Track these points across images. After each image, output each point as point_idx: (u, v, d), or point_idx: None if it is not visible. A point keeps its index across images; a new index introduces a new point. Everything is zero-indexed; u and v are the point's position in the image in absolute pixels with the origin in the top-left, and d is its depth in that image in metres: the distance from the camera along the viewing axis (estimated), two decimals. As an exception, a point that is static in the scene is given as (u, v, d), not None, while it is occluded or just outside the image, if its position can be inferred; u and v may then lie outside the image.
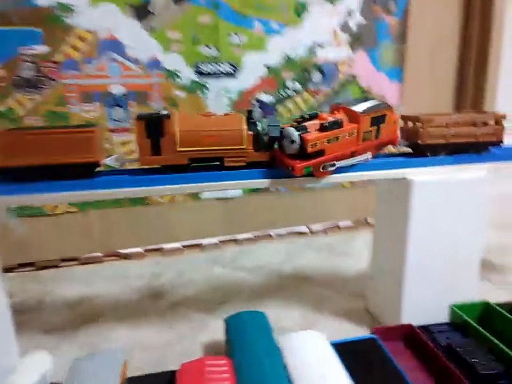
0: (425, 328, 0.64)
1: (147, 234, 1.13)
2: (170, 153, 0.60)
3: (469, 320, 0.63)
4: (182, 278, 0.97)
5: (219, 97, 1.08)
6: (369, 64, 1.18)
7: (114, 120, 1.03)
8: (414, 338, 0.63)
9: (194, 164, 0.63)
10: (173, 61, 1.03)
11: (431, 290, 0.70)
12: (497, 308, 0.65)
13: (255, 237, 1.23)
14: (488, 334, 0.60)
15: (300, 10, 1.09)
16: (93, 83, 1.01)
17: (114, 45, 1.00)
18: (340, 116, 0.63)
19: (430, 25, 1.19)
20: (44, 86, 0.98)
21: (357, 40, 1.15)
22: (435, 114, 0.76)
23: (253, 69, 1.09)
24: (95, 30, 0.98)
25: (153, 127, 0.59)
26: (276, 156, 0.63)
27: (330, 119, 0.62)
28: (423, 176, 0.67)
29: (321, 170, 0.62)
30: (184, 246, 1.18)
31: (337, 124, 0.61)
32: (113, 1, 0.98)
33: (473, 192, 0.69)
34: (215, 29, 1.04)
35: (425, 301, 0.69)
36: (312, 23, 1.11)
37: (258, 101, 1.12)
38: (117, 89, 1.02)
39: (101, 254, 1.12)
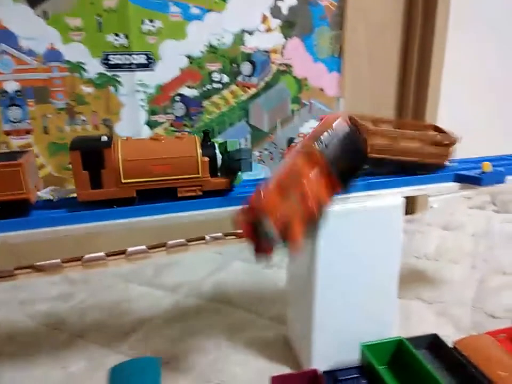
0: (331, 375, 0.58)
1: (68, 244, 1.03)
2: (114, 185, 0.53)
3: (375, 365, 0.57)
4: (93, 300, 0.87)
5: (134, 93, 0.96)
6: (305, 52, 1.07)
7: (11, 121, 0.91)
8: (318, 386, 0.57)
9: (143, 196, 0.55)
10: (75, 51, 0.90)
11: (345, 326, 0.63)
12: (409, 346, 0.60)
13: (187, 241, 1.15)
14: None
15: (224, -8, 0.97)
16: (-18, 79, 0.87)
17: (4, 36, 0.86)
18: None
19: (370, 9, 1.09)
20: None
21: (290, 26, 1.04)
22: (383, 121, 0.68)
23: (171, 60, 0.97)
24: (-21, 18, 0.84)
25: (91, 159, 0.51)
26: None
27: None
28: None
29: None
30: (108, 255, 1.09)
31: None
32: (-3, -18, 0.83)
33: (388, 220, 0.61)
34: (123, 14, 0.91)
35: (339, 338, 0.63)
36: (238, 7, 0.98)
37: (180, 95, 1.00)
38: (11, 86, 0.89)
39: (12, 268, 1.02)
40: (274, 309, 0.82)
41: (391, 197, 0.62)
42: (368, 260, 0.63)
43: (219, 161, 0.57)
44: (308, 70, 1.09)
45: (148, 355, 0.69)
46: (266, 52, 1.04)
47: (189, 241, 1.15)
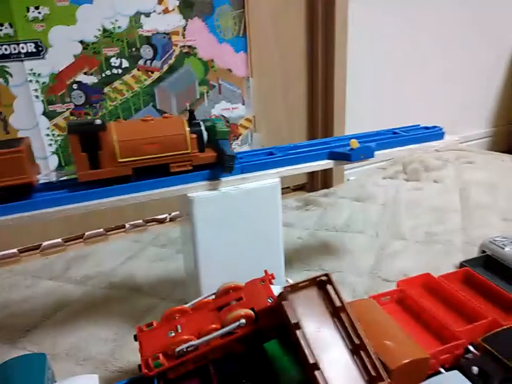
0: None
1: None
2: (111, 165, 0.57)
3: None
4: (-3, 299, 0.86)
5: (26, 83, 0.92)
6: (208, 33, 1.06)
7: None
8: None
9: (138, 173, 0.59)
10: (-45, 43, 0.85)
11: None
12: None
13: (105, 231, 1.14)
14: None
15: (113, -26, 0.93)
16: None
17: None
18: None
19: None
20: None
21: (189, 6, 1.02)
22: None
23: (63, 47, 0.93)
24: None
25: (88, 141, 0.55)
26: None
27: None
28: (205, 191, 0.61)
29: None
30: (21, 251, 1.07)
31: None
32: None
33: (266, 200, 0.64)
34: (5, 2, 0.86)
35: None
36: (131, -12, 0.95)
37: (78, 83, 0.97)
38: None
39: None
40: (181, 292, 0.84)
41: (267, 178, 0.64)
42: (249, 240, 0.65)
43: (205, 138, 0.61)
44: (213, 51, 1.08)
45: (46, 350, 0.69)
46: (166, 34, 1.02)
47: (107, 230, 1.14)
